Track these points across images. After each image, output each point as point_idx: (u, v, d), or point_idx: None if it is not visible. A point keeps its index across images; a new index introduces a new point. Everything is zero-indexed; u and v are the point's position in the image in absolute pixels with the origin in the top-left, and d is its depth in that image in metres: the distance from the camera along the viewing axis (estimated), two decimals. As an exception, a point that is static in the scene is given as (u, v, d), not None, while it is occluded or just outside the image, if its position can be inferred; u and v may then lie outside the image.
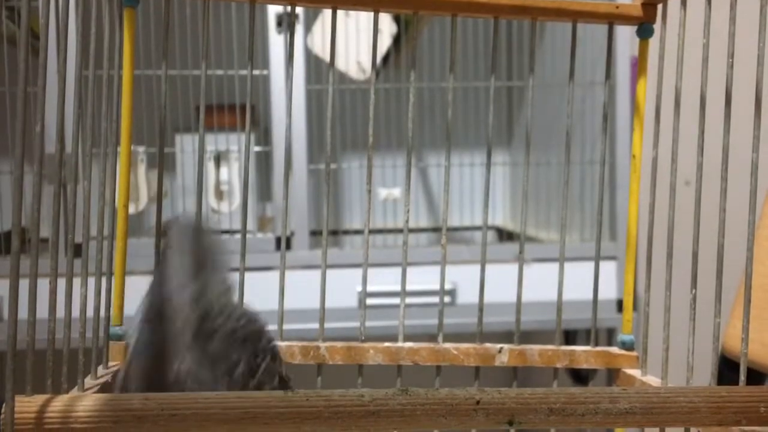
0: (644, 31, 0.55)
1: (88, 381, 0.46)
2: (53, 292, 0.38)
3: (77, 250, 0.43)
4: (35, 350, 0.36)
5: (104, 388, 0.46)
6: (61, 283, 0.39)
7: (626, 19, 0.55)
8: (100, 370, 0.48)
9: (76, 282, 0.43)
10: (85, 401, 0.36)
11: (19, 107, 0.34)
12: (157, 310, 0.44)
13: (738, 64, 0.44)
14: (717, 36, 0.47)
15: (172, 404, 0.36)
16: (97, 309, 0.46)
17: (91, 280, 0.45)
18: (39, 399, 0.36)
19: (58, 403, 0.36)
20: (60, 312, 0.39)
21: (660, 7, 0.54)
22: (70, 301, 0.41)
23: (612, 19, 0.55)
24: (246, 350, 0.44)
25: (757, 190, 0.42)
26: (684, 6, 0.50)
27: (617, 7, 0.55)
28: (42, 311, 0.36)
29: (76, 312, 0.42)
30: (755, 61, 0.42)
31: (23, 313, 0.34)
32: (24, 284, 0.34)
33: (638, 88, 0.56)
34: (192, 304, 0.43)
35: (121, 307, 0.53)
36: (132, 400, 0.36)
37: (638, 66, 0.56)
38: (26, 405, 0.36)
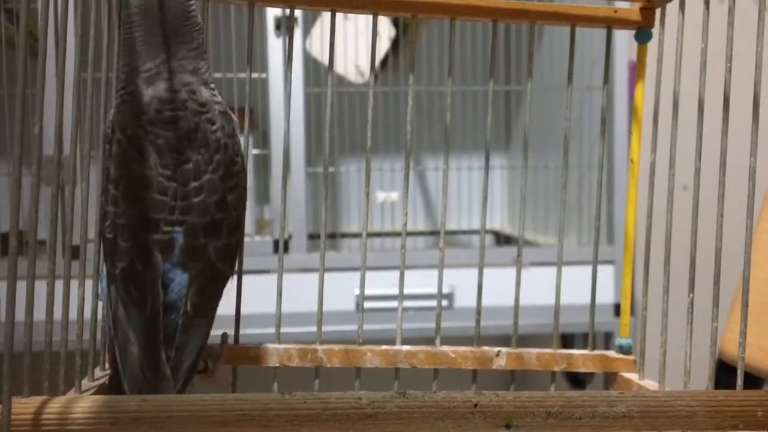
0: (642, 35, 0.56)
1: (86, 383, 0.46)
2: (50, 294, 0.38)
3: (75, 252, 0.43)
4: (32, 352, 0.36)
5: (101, 390, 0.46)
6: (59, 285, 0.39)
7: (625, 24, 0.56)
8: (98, 372, 0.48)
9: (74, 284, 0.43)
10: (83, 403, 0.36)
11: (18, 109, 0.34)
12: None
13: (736, 68, 0.44)
14: (715, 40, 0.47)
15: (169, 406, 0.36)
16: (94, 311, 0.46)
17: (89, 282, 0.45)
18: (36, 401, 0.36)
19: (55, 404, 0.36)
20: (57, 314, 0.39)
21: (658, 11, 0.54)
22: (67, 303, 0.41)
23: (610, 24, 0.56)
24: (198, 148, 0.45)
25: (755, 194, 0.42)
26: (682, 11, 0.50)
27: (616, 12, 0.55)
28: (39, 313, 0.36)
29: (73, 314, 0.42)
30: (753, 66, 0.42)
31: (20, 314, 0.34)
32: (21, 286, 0.34)
33: (636, 93, 0.56)
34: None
35: (118, 309, 0.52)
36: (129, 402, 0.36)
37: (636, 70, 0.56)
38: (23, 406, 0.36)
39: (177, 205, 0.44)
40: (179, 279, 0.45)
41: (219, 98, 0.48)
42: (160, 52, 0.45)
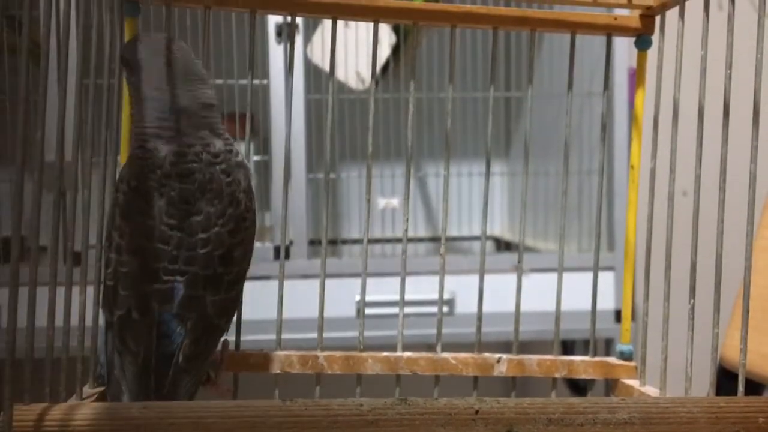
0: (642, 42, 0.56)
1: (87, 390, 0.46)
2: (52, 301, 0.38)
3: (76, 259, 0.43)
4: (34, 358, 0.36)
5: (103, 397, 0.46)
6: (60, 291, 0.39)
7: (624, 31, 0.56)
8: (99, 378, 0.48)
9: (75, 290, 0.43)
10: (84, 410, 0.36)
11: (20, 116, 0.34)
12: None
13: (736, 75, 0.44)
14: (715, 47, 0.47)
15: (171, 413, 0.36)
16: (95, 317, 0.46)
17: (90, 289, 0.45)
18: (37, 407, 0.36)
19: (57, 411, 0.36)
20: (59, 320, 0.39)
21: (658, 18, 0.54)
22: (68, 310, 0.41)
23: (610, 31, 0.56)
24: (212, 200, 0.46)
25: (755, 200, 0.42)
26: (682, 18, 0.50)
27: (615, 19, 0.55)
28: (41, 319, 0.36)
29: (74, 320, 0.42)
30: (753, 72, 0.42)
31: (22, 321, 0.34)
32: (23, 292, 0.34)
33: (636, 99, 0.56)
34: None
35: (119, 316, 0.52)
36: (131, 409, 0.36)
37: (636, 77, 0.57)
38: (24, 413, 0.36)
39: (180, 254, 0.45)
40: (178, 330, 0.45)
41: (234, 149, 0.48)
42: (170, 107, 0.46)
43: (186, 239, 0.45)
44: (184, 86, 0.46)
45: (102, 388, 0.47)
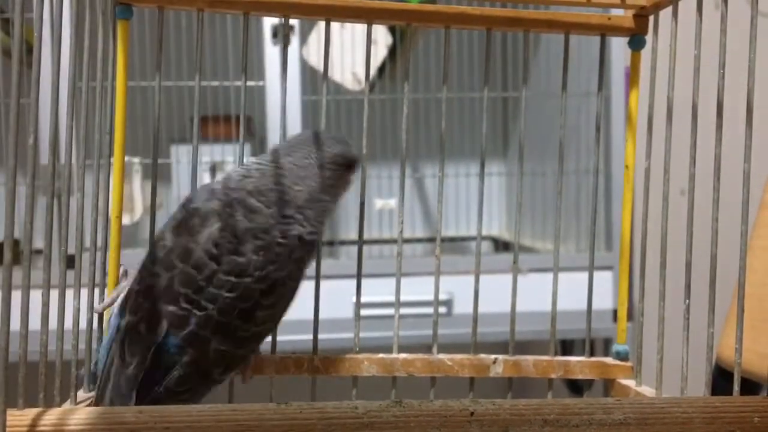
0: (636, 42, 0.56)
1: (81, 394, 0.45)
2: (46, 305, 0.38)
3: (70, 262, 0.43)
4: (27, 363, 0.36)
5: (97, 401, 0.46)
6: (54, 294, 0.39)
7: (618, 31, 0.56)
8: (93, 382, 0.48)
9: (69, 294, 0.43)
10: (78, 414, 0.36)
11: (12, 118, 0.34)
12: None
13: (729, 74, 0.44)
14: (708, 47, 0.47)
15: (166, 417, 0.36)
16: (90, 321, 0.46)
17: (84, 292, 0.45)
18: (31, 412, 0.36)
19: (51, 416, 0.36)
20: (52, 324, 0.39)
21: (651, 18, 0.54)
22: (62, 313, 0.41)
23: (604, 31, 0.56)
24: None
25: (750, 200, 0.42)
26: (675, 18, 0.50)
27: (609, 19, 0.55)
28: (34, 323, 0.36)
29: (68, 324, 0.42)
30: (746, 72, 0.42)
31: (15, 325, 0.34)
32: (16, 296, 0.34)
33: (630, 99, 0.56)
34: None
35: (114, 319, 0.52)
36: (125, 413, 0.36)
37: (630, 77, 0.57)
38: (18, 418, 0.36)
39: (206, 288, 0.44)
40: (175, 358, 0.44)
41: (310, 228, 0.47)
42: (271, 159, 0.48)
43: (217, 275, 0.44)
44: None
45: (96, 393, 0.46)
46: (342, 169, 0.49)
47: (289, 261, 0.46)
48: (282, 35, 0.54)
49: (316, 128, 0.51)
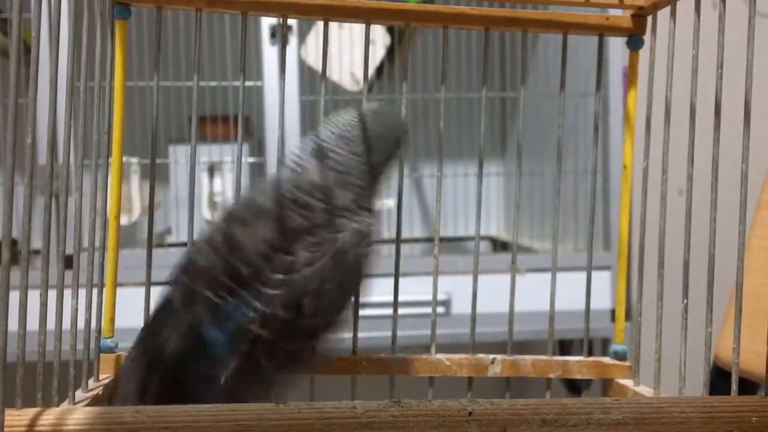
0: (634, 42, 0.56)
1: (79, 394, 0.45)
2: (44, 305, 0.38)
3: (68, 262, 0.43)
4: (25, 363, 0.36)
5: (96, 400, 0.46)
6: (52, 294, 0.39)
7: (616, 31, 0.56)
8: (91, 383, 0.48)
9: (67, 294, 0.43)
10: (76, 414, 0.36)
11: (10, 118, 0.34)
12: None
13: (727, 75, 0.44)
14: (706, 47, 0.47)
15: (164, 417, 0.36)
16: (88, 321, 0.46)
17: (82, 292, 0.45)
18: (29, 412, 0.36)
19: (49, 416, 0.36)
20: (50, 324, 0.39)
21: (649, 18, 0.54)
22: (60, 313, 0.41)
23: (602, 31, 0.56)
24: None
25: (747, 200, 0.42)
26: (673, 18, 0.50)
27: (607, 19, 0.55)
28: (32, 323, 0.36)
29: (66, 324, 0.42)
30: (744, 72, 0.42)
31: (13, 325, 0.34)
32: (14, 296, 0.33)
33: (629, 99, 0.56)
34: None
35: (112, 319, 0.52)
36: (123, 413, 0.36)
37: (628, 77, 0.57)
38: (16, 418, 0.36)
39: (255, 281, 0.42)
40: (221, 347, 0.42)
41: (365, 218, 0.46)
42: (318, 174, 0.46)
43: (265, 272, 0.42)
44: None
45: (95, 392, 0.46)
46: (390, 151, 0.48)
47: (343, 255, 0.44)
48: (280, 35, 0.54)
49: (356, 107, 0.49)
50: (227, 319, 0.42)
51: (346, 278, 0.46)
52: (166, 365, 0.43)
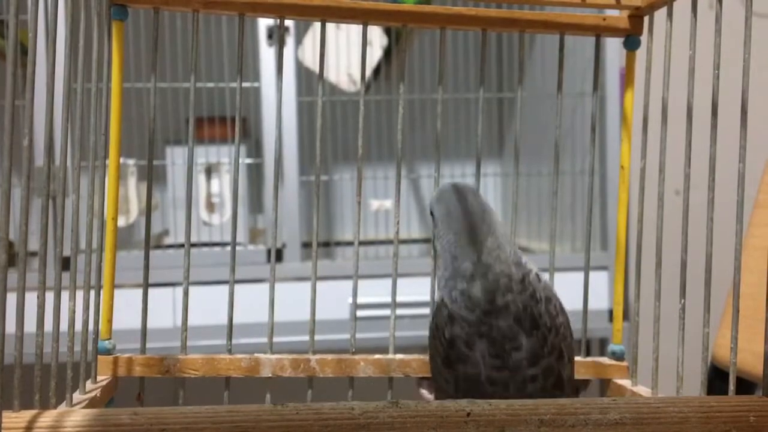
0: (631, 43, 0.56)
1: (77, 396, 0.45)
2: (41, 306, 0.38)
3: (66, 264, 0.42)
4: (23, 365, 0.36)
5: (93, 402, 0.46)
6: (49, 296, 0.39)
7: (613, 32, 0.56)
8: (89, 384, 0.48)
9: (65, 295, 0.43)
10: (74, 416, 0.36)
11: (7, 120, 0.33)
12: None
13: (724, 75, 0.44)
14: (703, 47, 0.47)
15: (161, 419, 0.36)
16: (85, 323, 0.46)
17: (80, 294, 0.45)
18: (26, 414, 0.36)
19: (47, 418, 0.36)
20: (48, 326, 0.39)
21: (646, 19, 0.54)
22: (58, 315, 0.41)
23: (599, 32, 0.56)
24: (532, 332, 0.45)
25: (744, 199, 0.42)
26: (670, 18, 0.50)
27: (604, 20, 0.55)
28: (30, 325, 0.36)
29: (64, 326, 0.42)
30: (741, 72, 0.42)
31: (11, 327, 0.34)
32: (11, 298, 0.33)
33: (626, 100, 0.56)
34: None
35: (109, 321, 0.52)
36: (121, 415, 0.36)
37: (625, 77, 0.57)
38: (13, 421, 0.35)
39: (511, 395, 0.44)
40: None
41: (535, 271, 0.48)
42: (472, 250, 0.46)
43: (513, 377, 0.44)
44: (481, 226, 0.47)
45: (93, 394, 0.46)
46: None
47: (556, 317, 0.46)
48: (277, 36, 0.54)
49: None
50: None
51: (567, 338, 0.48)
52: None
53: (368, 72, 1.34)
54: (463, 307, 0.45)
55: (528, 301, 0.45)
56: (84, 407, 0.44)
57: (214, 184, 1.33)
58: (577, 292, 0.57)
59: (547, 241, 1.35)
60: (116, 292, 0.53)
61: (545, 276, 0.49)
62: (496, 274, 0.46)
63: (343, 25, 1.23)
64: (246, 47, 0.54)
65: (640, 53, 0.55)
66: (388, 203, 1.40)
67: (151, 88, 0.53)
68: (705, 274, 0.44)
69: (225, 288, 0.56)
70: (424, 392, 0.53)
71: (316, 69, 0.54)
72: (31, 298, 0.36)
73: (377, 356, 0.55)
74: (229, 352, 0.54)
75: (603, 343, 1.25)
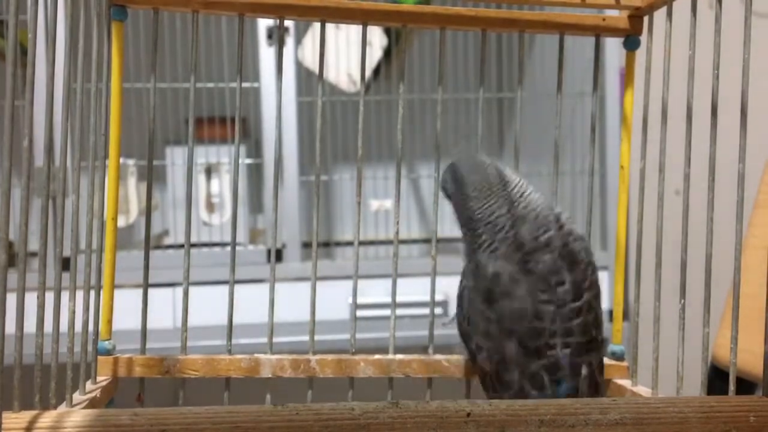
0: (631, 43, 0.56)
1: (77, 396, 0.45)
2: (41, 307, 0.38)
3: (66, 264, 0.43)
4: (23, 365, 0.36)
5: (93, 403, 0.46)
6: (49, 296, 0.39)
7: (613, 32, 0.56)
8: (89, 385, 0.48)
9: (65, 296, 0.43)
10: (74, 417, 0.36)
11: (7, 120, 0.33)
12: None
13: (723, 75, 0.44)
14: (703, 47, 0.47)
15: (161, 419, 0.36)
16: (85, 323, 0.46)
17: (80, 294, 0.45)
18: (26, 415, 0.36)
19: (47, 419, 0.36)
20: (48, 326, 0.39)
21: (646, 19, 0.54)
22: (58, 316, 0.41)
23: (599, 32, 0.56)
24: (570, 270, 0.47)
25: (744, 199, 0.42)
26: (670, 18, 0.50)
27: (604, 20, 0.55)
28: (30, 326, 0.36)
29: (64, 326, 0.42)
30: (741, 72, 0.42)
31: (11, 327, 0.34)
32: (11, 298, 0.33)
33: (625, 100, 0.56)
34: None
35: (109, 321, 0.52)
36: (121, 416, 0.36)
37: (625, 77, 0.57)
38: (14, 421, 0.35)
39: (558, 328, 0.46)
40: (562, 392, 0.46)
41: (570, 227, 0.49)
42: (500, 204, 0.49)
43: (559, 311, 0.46)
44: (500, 182, 0.49)
45: (93, 395, 0.46)
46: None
47: (590, 254, 0.49)
48: (277, 36, 0.54)
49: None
50: (564, 366, 0.46)
51: (595, 277, 0.49)
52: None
53: (368, 72, 1.34)
54: (506, 250, 0.47)
55: (566, 237, 0.47)
56: (84, 408, 0.44)
57: (214, 184, 1.33)
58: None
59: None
60: (116, 292, 0.53)
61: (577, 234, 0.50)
62: (532, 217, 0.48)
63: (343, 25, 1.23)
64: (246, 47, 0.54)
65: (640, 53, 0.55)
66: (388, 203, 1.40)
67: (151, 88, 0.53)
68: (705, 274, 0.44)
69: (225, 288, 0.56)
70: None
71: (316, 69, 0.54)
72: (31, 298, 0.36)
73: (377, 356, 0.55)
74: (229, 352, 0.54)
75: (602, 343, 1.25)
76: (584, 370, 0.46)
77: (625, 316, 0.97)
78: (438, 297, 1.16)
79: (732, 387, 0.43)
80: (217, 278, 1.15)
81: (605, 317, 1.26)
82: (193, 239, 1.26)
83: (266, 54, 1.24)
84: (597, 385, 0.48)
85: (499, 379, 0.47)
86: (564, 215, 0.49)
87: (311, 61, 1.29)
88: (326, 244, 1.40)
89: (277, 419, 0.36)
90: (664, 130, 0.49)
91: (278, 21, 0.54)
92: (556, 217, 0.48)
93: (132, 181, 1.27)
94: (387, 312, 0.55)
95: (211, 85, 1.28)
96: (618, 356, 0.56)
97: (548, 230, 0.47)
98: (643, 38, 0.55)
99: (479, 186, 0.49)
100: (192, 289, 0.53)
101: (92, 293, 0.47)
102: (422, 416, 0.37)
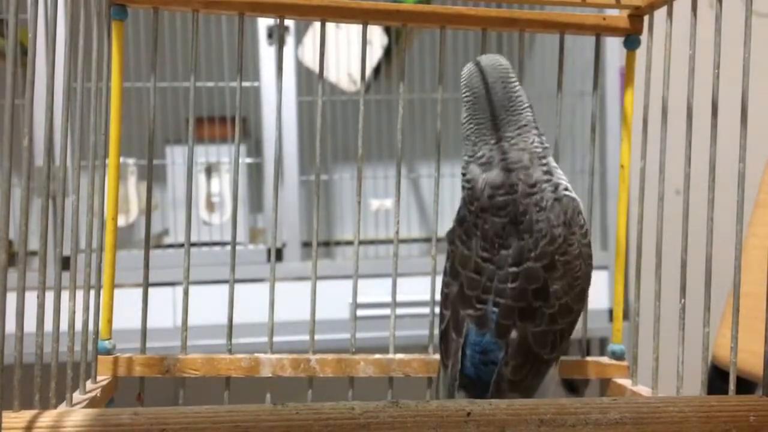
0: (631, 42, 0.56)
1: (77, 396, 0.45)
2: (41, 306, 0.38)
3: (66, 263, 0.43)
4: (23, 365, 0.36)
5: (93, 402, 0.46)
6: (49, 296, 0.39)
7: (613, 31, 0.56)
8: (89, 384, 0.48)
9: (65, 295, 0.43)
10: (74, 416, 0.36)
11: (7, 120, 0.33)
12: None
13: (724, 74, 0.44)
14: (703, 47, 0.47)
15: (161, 419, 0.36)
16: (85, 323, 0.46)
17: (80, 294, 0.45)
18: (27, 414, 0.36)
19: (47, 418, 0.36)
20: (48, 326, 0.39)
21: (646, 18, 0.54)
22: (58, 315, 0.41)
23: (599, 31, 0.56)
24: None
25: (744, 199, 0.42)
26: (670, 18, 0.50)
27: (604, 19, 0.55)
28: (30, 325, 0.36)
29: (64, 326, 0.42)
30: (741, 72, 0.42)
31: (11, 327, 0.34)
32: (11, 298, 0.33)
33: (626, 99, 0.56)
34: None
35: (109, 321, 0.52)
36: (121, 415, 0.36)
37: (626, 77, 0.57)
38: (14, 421, 0.35)
39: (492, 286, 0.47)
40: (495, 353, 0.47)
41: (555, 179, 0.48)
42: (491, 136, 0.48)
43: (497, 272, 0.47)
44: (504, 113, 0.48)
45: (93, 394, 0.46)
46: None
47: (556, 228, 0.46)
48: (277, 36, 0.54)
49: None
50: (488, 322, 0.47)
51: (569, 246, 0.47)
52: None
53: (368, 72, 1.34)
54: (467, 196, 0.48)
55: (530, 207, 0.46)
56: (84, 407, 0.44)
57: (214, 183, 1.33)
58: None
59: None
60: (116, 291, 0.53)
61: (564, 186, 0.48)
62: (509, 166, 0.47)
63: (343, 25, 1.23)
64: (246, 47, 0.54)
65: (640, 53, 0.55)
66: (388, 203, 1.40)
67: (151, 87, 0.53)
68: (705, 274, 0.44)
69: (225, 288, 0.56)
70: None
71: (316, 69, 0.54)
72: (31, 298, 0.36)
73: (377, 356, 0.55)
74: (229, 351, 0.54)
75: (603, 342, 1.25)
76: (513, 333, 0.46)
77: (625, 315, 0.97)
78: (438, 297, 1.16)
79: (732, 387, 0.43)
80: (217, 277, 1.15)
81: (605, 317, 1.26)
82: (193, 239, 1.26)
83: (266, 53, 1.24)
84: (532, 354, 0.46)
85: (442, 313, 0.49)
86: (548, 180, 0.47)
87: (311, 61, 1.28)
88: (326, 244, 1.40)
89: (277, 418, 0.36)
90: (665, 129, 0.49)
91: (278, 20, 0.54)
92: (535, 182, 0.46)
93: (132, 181, 1.27)
94: (387, 311, 0.55)
95: (211, 84, 1.28)
96: (618, 356, 0.56)
97: (511, 192, 0.46)
98: (644, 38, 0.55)
99: (483, 108, 0.49)
100: (192, 289, 0.53)
101: (92, 293, 0.47)
102: (422, 416, 0.37)
